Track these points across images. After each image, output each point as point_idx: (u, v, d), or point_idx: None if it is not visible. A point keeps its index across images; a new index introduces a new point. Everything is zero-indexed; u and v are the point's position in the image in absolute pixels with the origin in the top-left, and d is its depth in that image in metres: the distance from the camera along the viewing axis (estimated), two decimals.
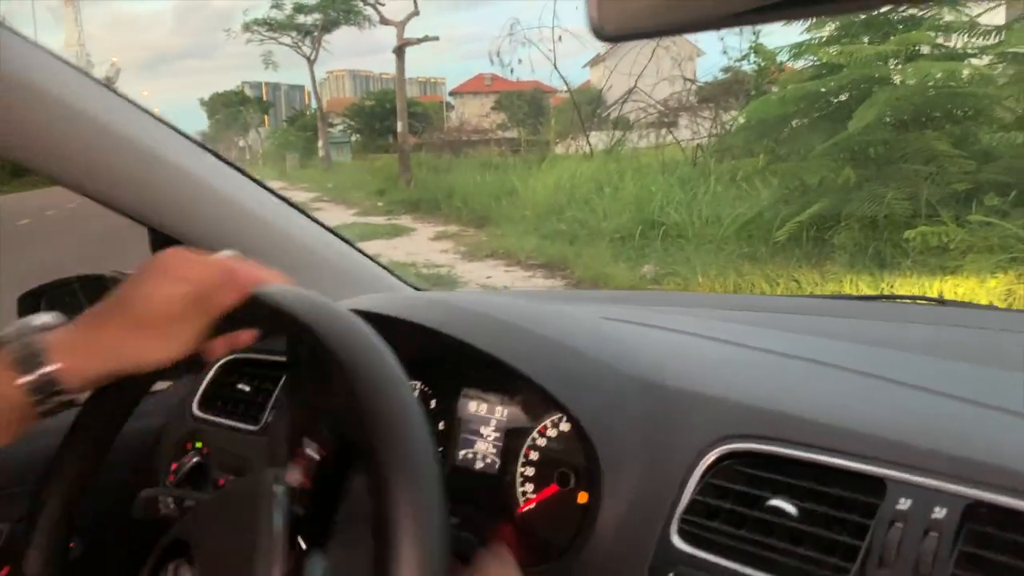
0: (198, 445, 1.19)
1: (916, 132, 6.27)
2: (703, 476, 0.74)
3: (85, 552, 1.11)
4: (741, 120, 8.94)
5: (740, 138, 8.63)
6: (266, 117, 51.22)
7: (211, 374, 1.26)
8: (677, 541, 0.72)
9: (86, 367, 0.64)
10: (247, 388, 1.20)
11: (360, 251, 1.31)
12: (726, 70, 13.12)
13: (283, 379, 1.16)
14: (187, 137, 1.10)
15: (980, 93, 6.32)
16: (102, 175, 1.02)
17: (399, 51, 16.83)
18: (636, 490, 0.78)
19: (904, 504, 0.63)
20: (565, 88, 17.34)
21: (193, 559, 0.67)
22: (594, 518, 0.79)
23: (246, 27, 23.58)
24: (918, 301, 1.47)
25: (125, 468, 0.88)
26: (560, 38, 14.14)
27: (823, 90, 7.04)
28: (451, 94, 37.30)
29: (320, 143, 30.92)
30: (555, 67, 15.31)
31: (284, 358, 1.17)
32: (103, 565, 1.12)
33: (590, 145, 13.85)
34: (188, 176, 1.08)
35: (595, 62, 23.68)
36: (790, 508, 0.69)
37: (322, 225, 1.27)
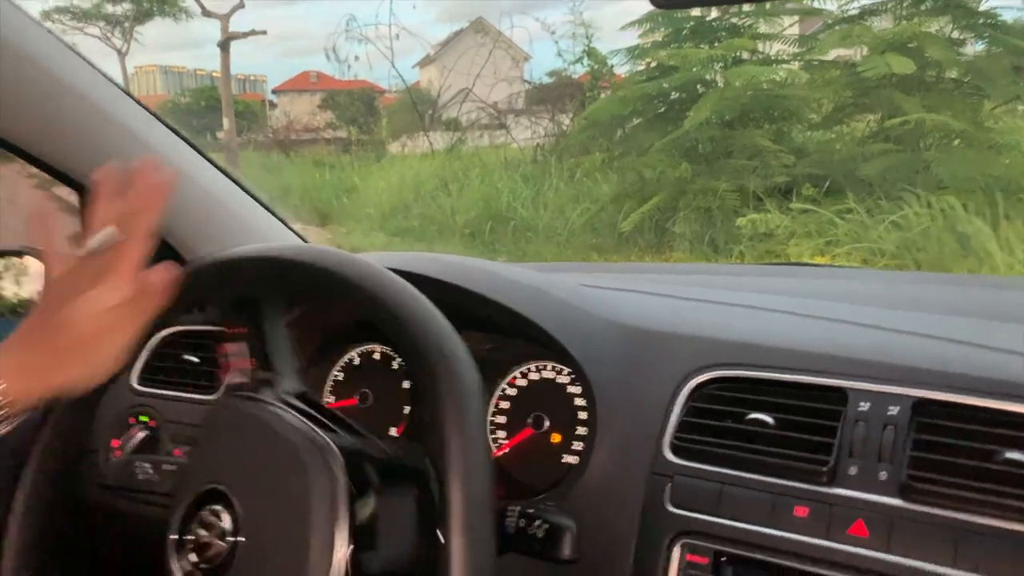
0: (143, 419, 1.17)
1: (741, 130, 6.91)
2: (687, 401, 0.84)
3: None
4: (581, 120, 9.40)
5: (582, 137, 9.06)
6: None
7: (149, 348, 1.22)
8: (670, 456, 0.82)
9: (19, 391, 0.64)
10: (195, 358, 1.18)
11: (261, 202, 1.32)
12: (551, 74, 13.67)
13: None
14: (121, 89, 1.06)
15: (792, 96, 7.07)
16: (35, 126, 0.97)
17: (224, 45, 16.14)
18: (628, 419, 0.86)
19: (864, 406, 0.77)
20: (394, 88, 17.27)
21: (233, 506, 0.69)
22: (591, 448, 0.86)
23: (46, 15, 21.53)
24: (801, 265, 1.77)
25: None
26: (398, 36, 14.07)
27: (658, 91, 7.57)
28: (274, 92, 35.95)
29: None
30: (393, 65, 15.26)
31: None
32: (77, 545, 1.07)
33: (431, 144, 13.95)
34: (115, 125, 1.04)
35: (425, 63, 23.72)
36: (768, 419, 0.80)
37: (231, 177, 1.28)
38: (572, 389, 0.94)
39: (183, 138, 1.16)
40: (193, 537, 0.69)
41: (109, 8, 22.22)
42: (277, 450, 0.69)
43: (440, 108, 15.95)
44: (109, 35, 22.86)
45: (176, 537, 0.70)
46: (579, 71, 11.92)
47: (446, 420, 0.61)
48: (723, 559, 0.76)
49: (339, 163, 16.10)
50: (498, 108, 14.30)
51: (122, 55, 23.53)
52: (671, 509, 0.79)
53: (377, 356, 1.08)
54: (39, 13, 23.23)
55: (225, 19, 16.09)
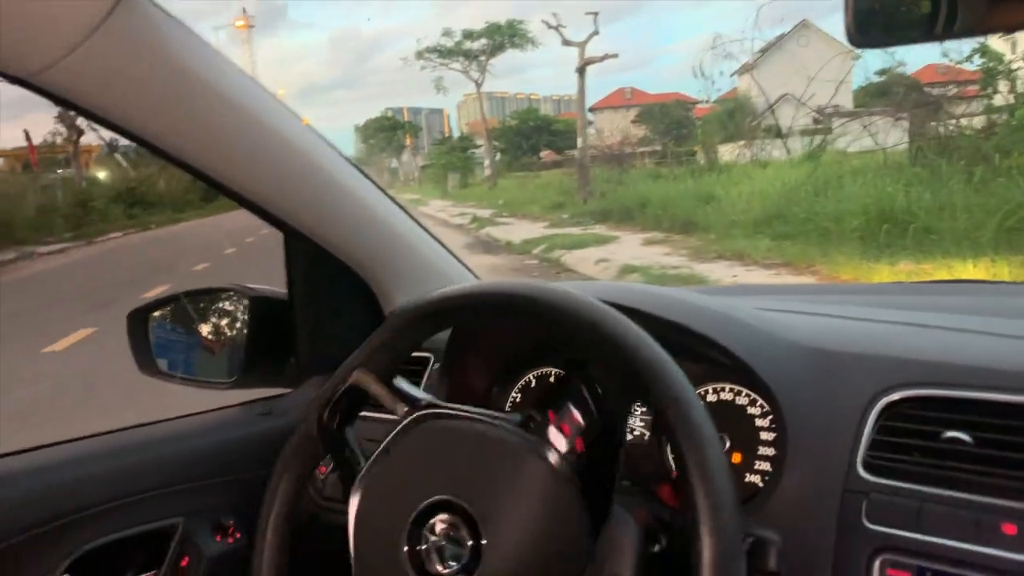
0: None
1: None
2: (878, 419, 0.84)
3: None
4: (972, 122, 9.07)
5: (1016, 137, 8.89)
6: (409, 140, 54.04)
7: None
8: (864, 473, 0.82)
9: None
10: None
11: (446, 248, 1.36)
12: (881, 72, 13.15)
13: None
14: (326, 141, 1.10)
15: None
16: (249, 171, 1.02)
17: (581, 70, 17.77)
18: (818, 438, 0.86)
19: None
20: (707, 98, 17.68)
21: (472, 518, 0.72)
22: (781, 467, 0.87)
23: (419, 55, 25.23)
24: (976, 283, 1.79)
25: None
26: (761, 52, 14.64)
27: None
28: (590, 110, 38.10)
29: (486, 163, 32.36)
30: (753, 78, 15.81)
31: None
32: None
33: (788, 151, 14.25)
34: (326, 177, 1.10)
35: (743, 71, 23.90)
36: (966, 437, 0.79)
37: (422, 226, 1.32)
38: (752, 410, 0.95)
39: (375, 184, 1.21)
40: (426, 546, 0.73)
41: (467, 45, 25.55)
42: (493, 455, 0.74)
43: (761, 115, 16.17)
44: (468, 69, 26.18)
45: (407, 549, 0.73)
46: (911, 68, 11.30)
47: (697, 495, 0.64)
48: (927, 575, 0.76)
49: (672, 175, 16.83)
50: (824, 111, 14.17)
51: (478, 85, 26.72)
52: (869, 525, 0.80)
53: (552, 379, 1.14)
54: (414, 54, 26.87)
55: (582, 46, 17.76)
